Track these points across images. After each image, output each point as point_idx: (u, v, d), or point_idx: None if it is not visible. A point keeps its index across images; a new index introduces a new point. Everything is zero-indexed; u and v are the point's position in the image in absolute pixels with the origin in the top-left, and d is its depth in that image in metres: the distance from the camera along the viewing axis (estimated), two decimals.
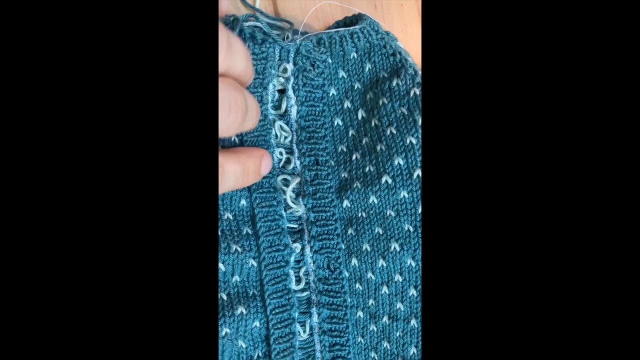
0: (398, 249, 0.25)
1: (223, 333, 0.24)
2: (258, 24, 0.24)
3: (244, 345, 0.25)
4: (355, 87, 0.26)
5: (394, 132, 0.25)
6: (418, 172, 0.25)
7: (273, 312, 0.25)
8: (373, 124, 0.26)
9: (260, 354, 0.25)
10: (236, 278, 0.25)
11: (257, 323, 0.25)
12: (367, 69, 0.26)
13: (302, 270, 0.27)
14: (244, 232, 0.25)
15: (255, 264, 0.25)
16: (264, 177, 0.26)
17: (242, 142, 0.25)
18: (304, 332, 0.27)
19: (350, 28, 0.25)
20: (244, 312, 0.25)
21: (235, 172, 0.22)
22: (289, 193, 0.26)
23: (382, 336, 0.27)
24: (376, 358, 0.27)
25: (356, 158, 0.26)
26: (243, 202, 0.25)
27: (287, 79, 0.25)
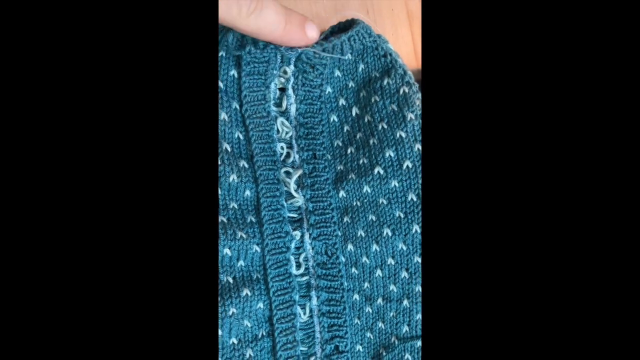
0: (390, 234, 0.28)
1: (230, 313, 0.26)
2: None
3: (249, 325, 0.27)
4: (350, 86, 0.29)
5: (385, 127, 0.27)
6: (407, 163, 0.27)
7: (275, 294, 0.27)
8: (366, 120, 0.28)
9: (264, 333, 0.27)
10: (241, 263, 0.27)
11: (260, 304, 0.27)
12: (360, 69, 0.28)
13: (302, 256, 0.29)
14: (248, 220, 0.27)
15: (258, 249, 0.27)
16: (270, 170, 0.28)
17: (249, 137, 0.27)
18: (304, 314, 0.29)
19: (347, 33, 0.27)
20: (249, 294, 0.27)
21: (274, 10, 0.22)
22: (292, 184, 0.28)
23: (377, 317, 0.29)
24: (372, 338, 0.29)
25: (351, 152, 0.29)
26: (247, 192, 0.27)
27: (288, 79, 0.28)
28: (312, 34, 0.25)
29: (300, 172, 0.28)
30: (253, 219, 0.27)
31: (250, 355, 0.27)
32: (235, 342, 0.26)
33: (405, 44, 0.40)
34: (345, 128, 0.29)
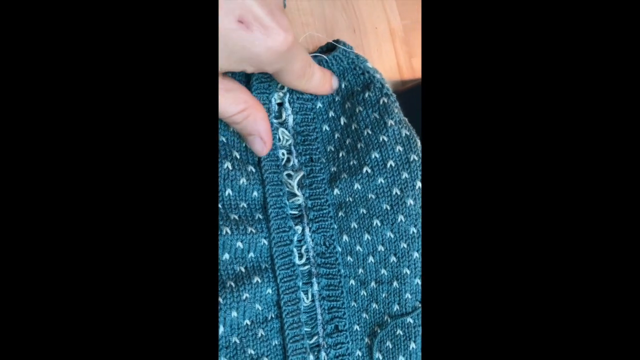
0: (379, 224, 0.32)
1: (243, 297, 0.30)
2: None
3: (260, 308, 0.31)
4: (336, 100, 0.33)
5: (370, 132, 0.32)
6: (390, 162, 0.31)
7: (282, 281, 0.31)
8: (353, 127, 0.33)
9: (273, 315, 0.31)
10: (251, 254, 0.31)
11: (269, 290, 0.31)
12: (343, 86, 0.33)
13: (304, 247, 0.33)
14: (256, 217, 0.31)
15: (266, 242, 0.32)
16: (274, 173, 0.32)
17: (260, 164, 0.32)
18: (307, 299, 0.33)
19: (328, 55, 0.32)
20: (259, 281, 0.31)
21: (320, 74, 0.30)
22: (295, 184, 0.32)
23: (370, 299, 0.33)
24: (367, 318, 0.33)
25: (342, 155, 0.33)
26: (255, 193, 0.32)
27: (285, 94, 0.32)
28: (335, 84, 0.33)
29: (301, 174, 0.32)
30: (261, 216, 0.32)
31: (261, 334, 0.31)
32: (249, 323, 0.30)
33: (389, 59, 0.45)
34: (336, 135, 0.34)
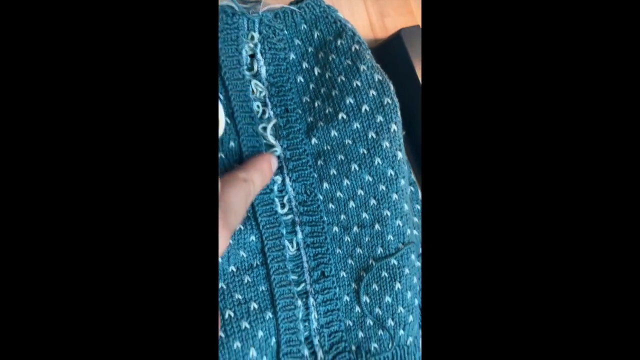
0: (357, 168, 0.32)
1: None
2: (231, 3, 0.32)
3: (244, 255, 0.31)
4: (309, 51, 0.34)
5: (343, 79, 0.32)
6: (365, 107, 0.32)
7: (265, 228, 0.32)
8: (327, 76, 0.33)
9: (258, 263, 0.32)
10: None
11: (253, 237, 0.32)
12: (316, 36, 0.33)
13: (285, 197, 0.33)
14: (234, 167, 0.32)
15: None
16: (249, 124, 0.32)
17: (229, 97, 0.32)
18: (292, 247, 0.33)
19: (300, 4, 0.32)
20: (242, 228, 0.31)
21: (259, 179, 0.29)
22: (269, 131, 0.33)
23: (355, 244, 0.33)
24: (352, 263, 0.34)
25: (318, 105, 0.34)
26: (232, 144, 0.32)
27: (256, 45, 0.33)
28: (275, 167, 0.32)
29: (274, 121, 0.33)
30: (238, 166, 0.32)
31: (248, 280, 0.31)
32: (234, 269, 0.31)
33: (362, 19, 0.45)
34: (311, 86, 0.34)
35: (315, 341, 0.32)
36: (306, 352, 0.32)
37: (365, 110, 0.32)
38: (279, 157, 0.33)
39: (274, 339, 0.30)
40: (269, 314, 0.31)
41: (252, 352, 0.29)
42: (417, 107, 0.36)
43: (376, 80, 0.32)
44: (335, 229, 0.34)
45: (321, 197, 0.33)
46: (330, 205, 0.33)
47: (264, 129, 0.33)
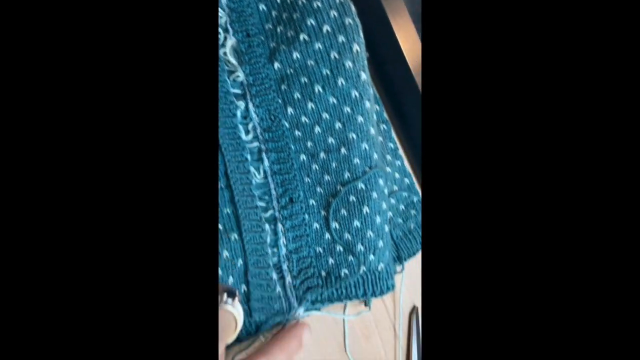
0: (321, 90, 0.32)
1: None
2: None
3: None
4: None
5: (304, 1, 0.32)
6: (326, 27, 0.32)
7: (227, 150, 0.31)
8: (288, 1, 0.33)
9: (222, 185, 0.31)
10: None
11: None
12: None
13: (250, 125, 0.33)
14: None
15: None
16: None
17: None
18: (259, 175, 0.33)
19: None
20: None
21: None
22: (228, 50, 0.32)
23: (323, 171, 0.33)
24: (321, 191, 0.33)
25: (280, 30, 0.33)
26: None
27: None
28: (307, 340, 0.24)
29: (233, 40, 0.32)
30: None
31: None
32: None
33: None
34: (273, 13, 0.33)
35: (284, 267, 0.32)
36: (275, 276, 0.32)
37: (327, 30, 0.32)
38: (242, 84, 0.33)
39: (240, 260, 0.30)
40: (235, 235, 0.30)
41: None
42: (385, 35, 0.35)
43: (337, 1, 0.32)
44: (303, 157, 0.33)
45: (287, 124, 0.33)
46: (297, 132, 0.33)
47: (225, 53, 0.33)
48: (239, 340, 0.30)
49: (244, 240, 0.30)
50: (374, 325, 0.35)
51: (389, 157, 0.39)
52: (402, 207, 0.38)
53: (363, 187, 0.33)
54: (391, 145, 0.40)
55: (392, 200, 0.38)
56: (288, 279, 0.32)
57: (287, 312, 0.31)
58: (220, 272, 0.29)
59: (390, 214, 0.36)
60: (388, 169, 0.38)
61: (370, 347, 0.35)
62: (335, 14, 0.32)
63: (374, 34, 0.34)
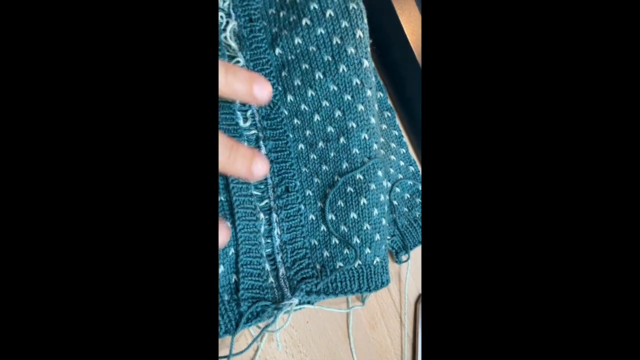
0: (322, 77, 0.31)
1: None
2: None
3: None
4: None
5: None
6: (329, 12, 0.31)
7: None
8: None
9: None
10: None
11: None
12: None
13: (249, 112, 0.32)
14: None
15: None
16: None
17: None
18: None
19: None
20: None
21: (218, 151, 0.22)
22: (229, 34, 0.31)
23: (320, 161, 0.32)
24: (319, 182, 0.32)
25: (283, 15, 0.32)
26: None
27: None
28: (259, 172, 0.25)
29: (234, 23, 0.32)
30: None
31: None
32: None
33: None
34: None
35: (278, 258, 0.31)
36: (268, 267, 0.31)
37: (330, 15, 0.31)
38: None
39: (232, 250, 0.30)
40: (227, 224, 0.30)
41: None
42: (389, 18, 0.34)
43: None
44: (301, 146, 0.32)
45: (286, 112, 0.32)
46: (295, 120, 0.32)
47: (225, 37, 0.32)
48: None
49: (236, 228, 0.30)
50: (380, 314, 0.35)
51: (393, 144, 0.38)
52: (407, 195, 0.37)
53: (361, 178, 0.32)
54: (395, 132, 0.39)
55: (397, 189, 0.37)
56: (282, 270, 0.31)
57: (280, 302, 0.30)
58: None
59: (395, 202, 0.35)
60: (393, 157, 0.37)
61: (376, 336, 0.34)
62: None
63: (377, 18, 0.33)
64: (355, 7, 0.31)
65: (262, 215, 0.31)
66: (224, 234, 0.23)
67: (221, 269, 0.29)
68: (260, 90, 0.24)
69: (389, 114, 0.36)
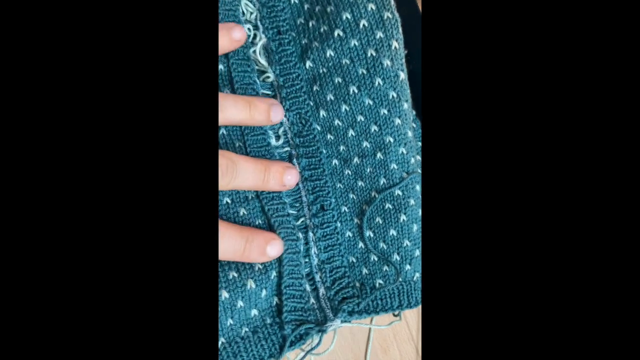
0: (356, 91, 0.30)
1: None
2: None
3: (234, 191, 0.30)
4: None
5: None
6: (363, 22, 0.29)
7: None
8: None
9: (252, 195, 0.30)
10: (222, 131, 0.30)
11: None
12: None
13: (280, 129, 0.31)
14: (224, 92, 0.30)
15: None
16: (239, 47, 0.30)
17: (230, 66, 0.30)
18: None
19: None
20: None
21: (234, 245, 0.27)
22: (258, 49, 0.30)
23: (356, 177, 0.31)
24: (354, 198, 0.32)
25: (312, 25, 0.31)
26: (221, 66, 0.30)
27: None
28: (275, 252, 0.29)
29: (264, 40, 0.30)
30: (228, 92, 0.30)
31: (243, 213, 0.29)
32: (229, 201, 0.29)
33: None
34: (306, 6, 0.31)
35: (317, 277, 0.31)
36: (308, 288, 0.31)
37: (364, 25, 0.29)
38: (272, 84, 0.31)
39: (274, 272, 0.29)
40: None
41: (250, 284, 0.28)
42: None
43: None
44: (335, 162, 0.31)
45: (318, 128, 0.31)
46: (329, 136, 0.31)
47: (254, 52, 0.31)
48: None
49: None
50: (392, 337, 0.34)
51: (418, 157, 0.37)
52: None
53: (400, 194, 0.31)
54: (420, 144, 0.37)
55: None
56: (322, 290, 0.31)
57: (323, 324, 0.30)
58: (253, 284, 0.28)
59: None
60: (419, 170, 0.36)
61: None
62: (373, 7, 0.29)
63: (403, 22, 0.31)
64: (390, 16, 0.29)
65: (300, 235, 0.31)
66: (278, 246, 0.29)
67: (264, 293, 0.29)
68: (275, 116, 0.30)
69: (415, 125, 0.35)
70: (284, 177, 0.29)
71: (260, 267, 0.28)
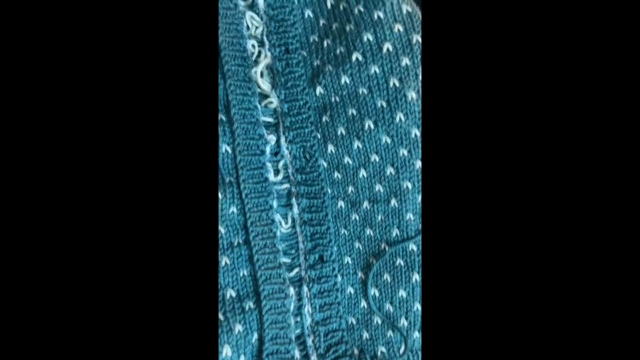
0: (372, 126, 0.25)
1: None
2: None
3: (222, 231, 0.25)
4: None
5: (362, 9, 0.25)
6: (387, 45, 0.25)
7: (248, 197, 0.25)
8: (341, 7, 0.26)
9: (240, 241, 0.26)
10: None
11: (234, 209, 0.25)
12: None
13: (281, 163, 0.27)
14: (219, 118, 0.25)
15: (229, 150, 0.25)
16: (239, 66, 0.26)
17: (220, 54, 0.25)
18: (286, 223, 0.27)
19: None
20: (221, 197, 0.25)
21: None
22: (261, 68, 0.26)
23: (364, 223, 0.27)
24: (360, 247, 0.27)
25: (327, 44, 0.26)
26: None
27: None
28: None
29: (268, 60, 0.26)
30: (223, 118, 0.26)
31: (226, 262, 0.25)
32: None
33: None
34: (321, 22, 0.27)
35: (309, 341, 0.26)
36: (297, 354, 0.26)
37: (388, 50, 0.25)
38: (275, 111, 0.27)
39: (255, 335, 0.24)
40: (250, 304, 0.24)
41: (227, 351, 0.23)
42: None
43: (404, 12, 0.25)
44: (341, 204, 0.27)
45: (324, 164, 0.27)
46: (336, 174, 0.27)
47: (255, 72, 0.26)
48: None
49: (262, 309, 0.24)
50: None
51: None
52: None
53: (415, 249, 0.26)
54: None
55: None
56: (313, 357, 0.26)
57: None
58: (229, 350, 0.23)
59: None
60: None
61: None
62: (401, 29, 0.25)
63: None
64: (419, 40, 0.25)
65: (292, 290, 0.26)
66: None
67: (241, 358, 0.24)
68: None
69: None
70: None
71: (240, 329, 0.24)
